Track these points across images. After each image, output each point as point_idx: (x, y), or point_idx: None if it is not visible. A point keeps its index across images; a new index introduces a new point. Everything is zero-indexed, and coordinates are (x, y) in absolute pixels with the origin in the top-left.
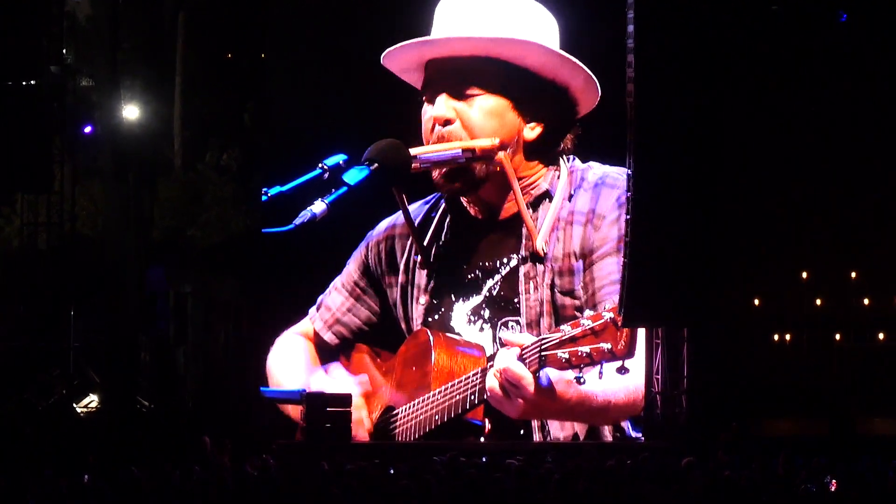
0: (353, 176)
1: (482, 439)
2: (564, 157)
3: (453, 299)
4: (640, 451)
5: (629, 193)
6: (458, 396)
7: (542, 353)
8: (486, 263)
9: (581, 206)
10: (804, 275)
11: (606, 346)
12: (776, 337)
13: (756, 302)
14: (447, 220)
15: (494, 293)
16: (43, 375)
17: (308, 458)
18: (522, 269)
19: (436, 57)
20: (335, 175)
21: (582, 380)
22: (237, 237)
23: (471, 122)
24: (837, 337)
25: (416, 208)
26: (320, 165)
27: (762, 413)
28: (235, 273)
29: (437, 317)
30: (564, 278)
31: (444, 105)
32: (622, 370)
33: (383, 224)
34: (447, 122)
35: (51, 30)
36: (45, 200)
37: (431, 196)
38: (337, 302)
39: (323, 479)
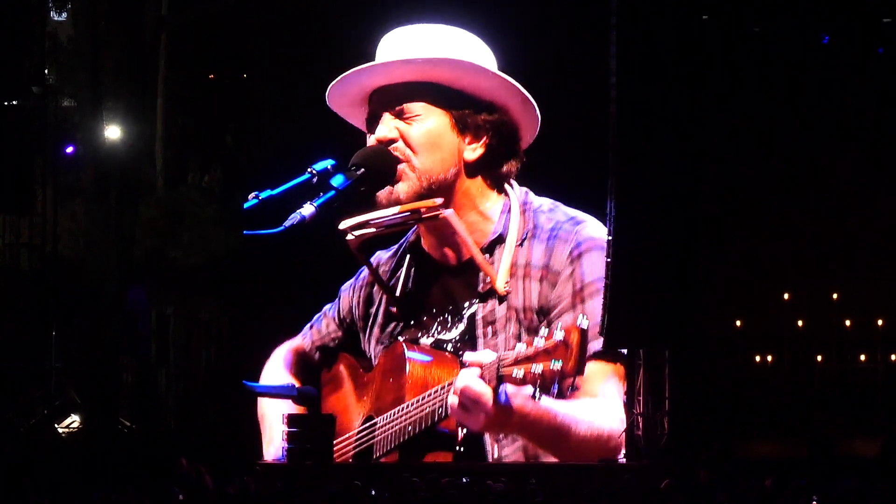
0: (341, 180)
1: (456, 448)
2: (512, 187)
3: (420, 336)
4: (621, 472)
5: (611, 213)
6: (427, 409)
7: (500, 372)
8: (451, 307)
9: (537, 259)
10: (786, 296)
11: (557, 364)
12: (758, 358)
13: (738, 323)
14: (412, 269)
15: (457, 337)
16: (24, 396)
17: (289, 480)
18: (480, 313)
19: (376, 87)
20: (323, 179)
21: (538, 396)
22: (219, 258)
23: (412, 141)
24: (819, 358)
25: (387, 258)
26: (309, 170)
27: (744, 434)
28: (217, 293)
29: None
30: (532, 334)
31: (386, 127)
32: (572, 387)
33: (366, 270)
34: (390, 142)
35: (32, 50)
36: (27, 221)
37: (398, 244)
38: (327, 329)
39: (303, 500)
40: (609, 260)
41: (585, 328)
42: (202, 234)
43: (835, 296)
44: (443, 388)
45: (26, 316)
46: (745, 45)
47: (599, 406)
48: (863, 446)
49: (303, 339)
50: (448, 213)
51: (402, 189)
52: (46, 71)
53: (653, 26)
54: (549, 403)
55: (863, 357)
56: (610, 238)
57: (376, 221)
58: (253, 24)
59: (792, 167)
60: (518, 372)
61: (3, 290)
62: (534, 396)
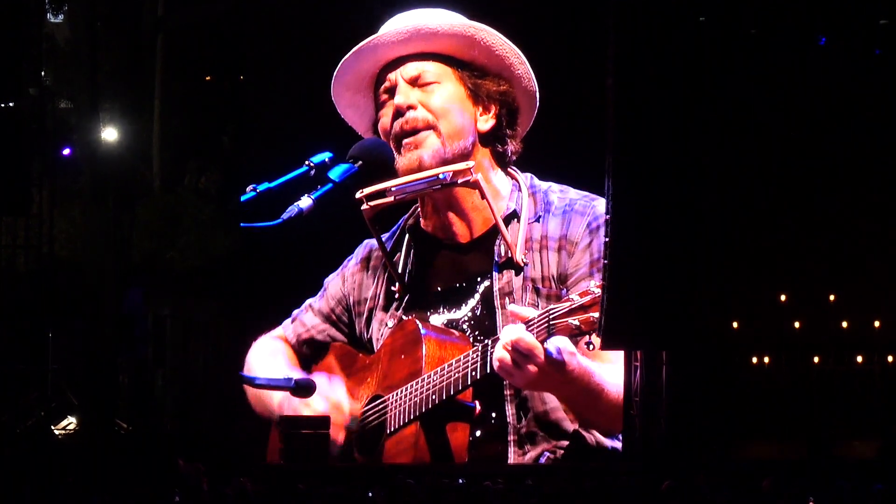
0: (338, 173)
1: (479, 426)
2: (519, 173)
3: (428, 315)
4: (619, 473)
5: (607, 216)
6: (456, 374)
7: (551, 322)
8: (458, 285)
9: (553, 231)
10: (782, 297)
11: None
12: (754, 359)
13: (734, 324)
14: (412, 250)
15: (472, 312)
16: (21, 398)
17: (285, 481)
18: (497, 285)
19: (390, 59)
20: (321, 172)
21: (592, 346)
22: (216, 259)
23: (433, 107)
24: (816, 359)
25: (384, 241)
26: (306, 162)
27: (741, 435)
28: (214, 295)
29: None
30: (552, 302)
31: (403, 95)
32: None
33: (357, 255)
34: (410, 108)
35: (29, 52)
36: (24, 223)
37: (392, 229)
38: (313, 321)
39: (300, 502)
40: (606, 262)
41: None
42: (199, 236)
43: (832, 297)
44: (475, 351)
45: (23, 318)
46: (742, 46)
47: (620, 371)
48: (860, 447)
49: (284, 331)
50: (479, 176)
51: (426, 154)
52: (44, 73)
53: (651, 27)
54: (587, 363)
55: (860, 358)
56: (607, 239)
57: (397, 189)
58: (250, 25)
59: (789, 168)
60: (573, 321)
61: (0, 292)
62: (589, 347)
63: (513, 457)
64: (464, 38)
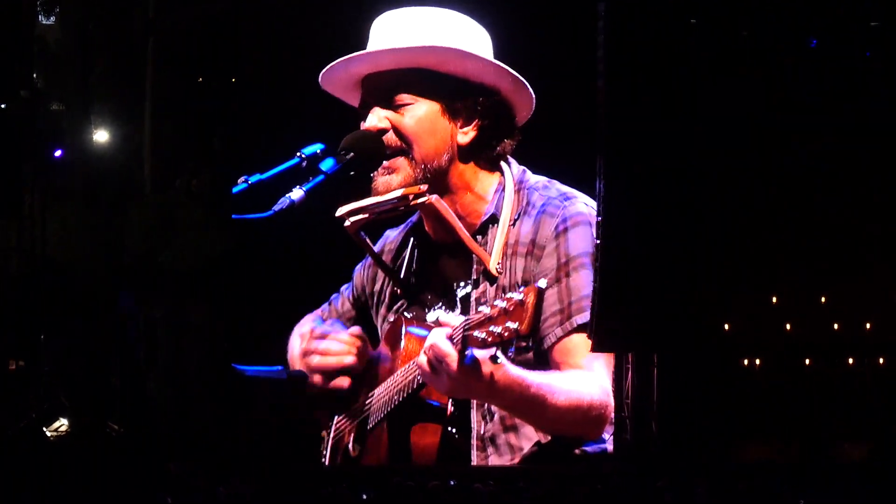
0: (330, 164)
1: (446, 420)
2: (510, 167)
3: (425, 313)
4: (611, 475)
5: (599, 217)
6: (411, 376)
7: (465, 333)
8: (449, 286)
9: (524, 235)
10: (774, 299)
11: (514, 325)
12: (746, 362)
13: (726, 326)
14: (416, 249)
15: (457, 316)
16: (13, 400)
17: (282, 481)
18: (473, 295)
19: (367, 73)
20: (312, 164)
21: (498, 359)
22: (209, 261)
23: (404, 129)
24: (807, 361)
25: (394, 237)
26: (298, 154)
27: (733, 438)
28: (207, 297)
29: None
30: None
31: (376, 117)
32: (526, 349)
33: (374, 247)
34: (381, 132)
35: (20, 54)
36: (15, 225)
37: (404, 224)
38: (343, 306)
39: (297, 501)
40: (598, 264)
41: (543, 287)
42: (192, 238)
43: (823, 300)
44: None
45: (16, 319)
46: (733, 48)
47: (580, 376)
48: (851, 449)
49: (321, 312)
50: (434, 198)
51: (396, 179)
52: (35, 75)
53: (641, 28)
54: (520, 373)
55: (851, 360)
56: (598, 242)
57: (370, 207)
58: (241, 28)
59: (779, 171)
60: (480, 333)
61: None
62: (493, 358)
63: (475, 461)
64: (437, 54)
